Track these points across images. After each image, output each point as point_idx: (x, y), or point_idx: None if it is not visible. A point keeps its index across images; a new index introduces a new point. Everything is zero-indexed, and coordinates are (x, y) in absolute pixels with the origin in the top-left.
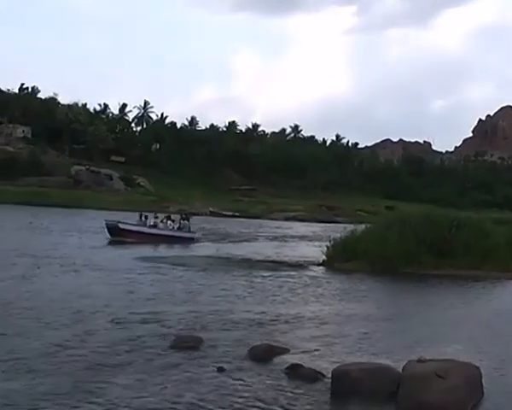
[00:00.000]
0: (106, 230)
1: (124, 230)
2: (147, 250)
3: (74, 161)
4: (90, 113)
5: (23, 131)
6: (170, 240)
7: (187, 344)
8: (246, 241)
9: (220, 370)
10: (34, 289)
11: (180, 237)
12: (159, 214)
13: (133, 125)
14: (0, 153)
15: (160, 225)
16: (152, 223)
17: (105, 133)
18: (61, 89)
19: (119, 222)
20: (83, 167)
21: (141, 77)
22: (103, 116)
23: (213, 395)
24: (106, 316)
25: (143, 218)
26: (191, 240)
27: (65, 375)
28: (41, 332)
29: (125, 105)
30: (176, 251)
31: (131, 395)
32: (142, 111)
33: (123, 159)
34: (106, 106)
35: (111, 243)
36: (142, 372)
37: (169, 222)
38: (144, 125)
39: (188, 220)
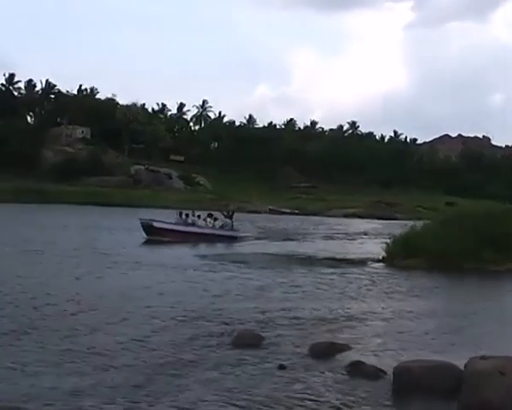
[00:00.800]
0: (141, 228)
1: (159, 228)
2: (203, 249)
3: (134, 161)
4: (149, 113)
5: (82, 132)
6: (210, 239)
7: (248, 342)
8: (305, 238)
9: (281, 367)
10: (103, 286)
11: (222, 236)
12: (200, 212)
13: (191, 124)
14: (60, 154)
15: (200, 223)
16: (190, 221)
17: (164, 133)
18: (120, 89)
19: (154, 220)
20: (142, 167)
21: (199, 76)
22: (161, 116)
23: (274, 393)
24: (171, 313)
25: (183, 216)
26: (234, 238)
27: (135, 371)
28: (112, 329)
29: (182, 104)
30: (234, 249)
31: (195, 392)
32: (201, 110)
33: (182, 158)
34: (164, 106)
35: (146, 242)
36: (204, 370)
37: (209, 220)
38: (202, 125)
39: (231, 218)
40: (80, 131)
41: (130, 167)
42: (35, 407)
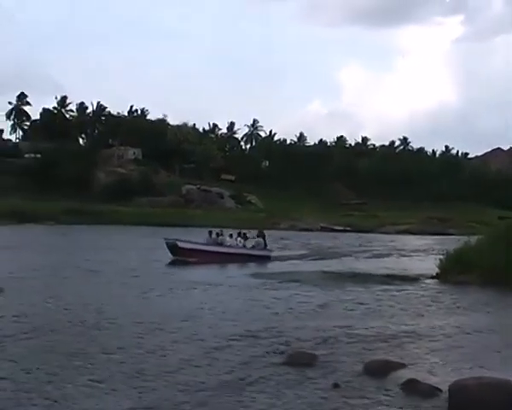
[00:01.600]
0: (167, 249)
1: (183, 248)
2: (256, 268)
3: (185, 181)
4: (199, 132)
5: (134, 153)
6: (241, 259)
7: (302, 360)
8: (358, 255)
9: (335, 386)
10: (164, 306)
11: (253, 256)
12: (232, 231)
13: (242, 143)
14: (112, 175)
15: (229, 242)
16: (219, 241)
17: (215, 152)
18: (170, 110)
19: (178, 240)
20: (194, 186)
21: (249, 95)
22: (212, 135)
23: None
24: (229, 332)
25: (214, 235)
26: (267, 258)
27: (197, 389)
28: (175, 347)
29: (233, 124)
30: (288, 267)
31: None
32: (251, 129)
33: (233, 177)
34: (215, 125)
35: (172, 262)
36: (260, 389)
37: (239, 239)
38: (253, 143)
39: (263, 237)
40: (132, 152)
41: (181, 187)
42: None
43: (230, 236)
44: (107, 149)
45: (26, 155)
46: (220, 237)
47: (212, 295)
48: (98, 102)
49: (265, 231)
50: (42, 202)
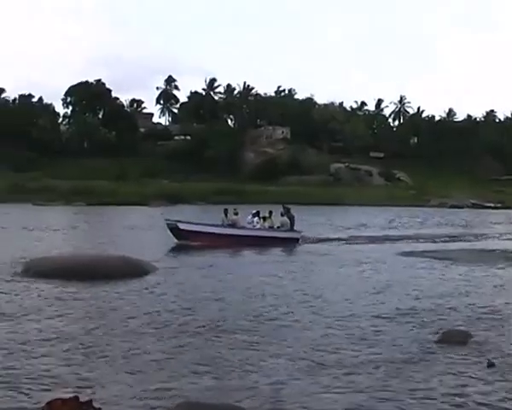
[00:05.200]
0: (169, 231)
1: (186, 230)
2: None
3: (333, 159)
4: (347, 111)
5: (282, 133)
6: (259, 242)
7: (455, 339)
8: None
9: (490, 365)
10: (317, 283)
11: (275, 238)
12: (255, 210)
13: (390, 120)
14: (261, 155)
15: (243, 223)
16: (230, 221)
17: (362, 130)
18: (317, 89)
19: (179, 221)
20: (342, 165)
21: (397, 72)
22: (360, 113)
23: (483, 391)
24: (382, 310)
25: (231, 215)
26: (293, 241)
27: (351, 370)
28: (320, 327)
29: (380, 101)
30: (436, 246)
31: (397, 389)
32: (399, 106)
33: (381, 154)
34: (363, 103)
35: (175, 248)
36: (412, 368)
37: (256, 219)
38: (401, 120)
39: (290, 217)
40: (280, 132)
41: (329, 166)
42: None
43: (253, 215)
44: (256, 130)
45: (176, 138)
46: (233, 217)
47: (366, 272)
48: (245, 83)
49: (415, 209)
50: (192, 182)
